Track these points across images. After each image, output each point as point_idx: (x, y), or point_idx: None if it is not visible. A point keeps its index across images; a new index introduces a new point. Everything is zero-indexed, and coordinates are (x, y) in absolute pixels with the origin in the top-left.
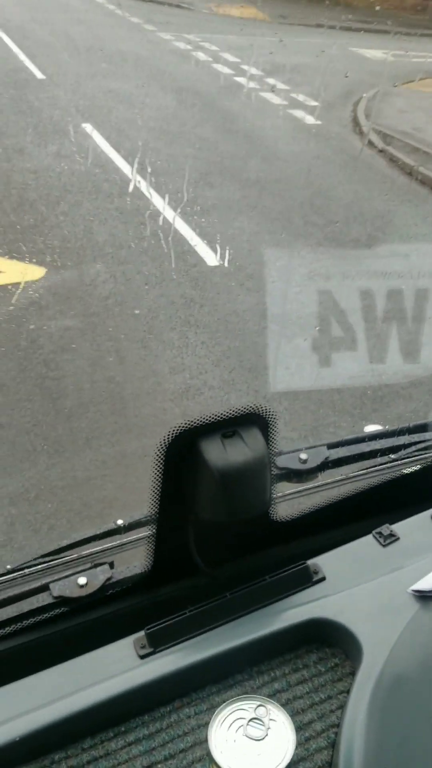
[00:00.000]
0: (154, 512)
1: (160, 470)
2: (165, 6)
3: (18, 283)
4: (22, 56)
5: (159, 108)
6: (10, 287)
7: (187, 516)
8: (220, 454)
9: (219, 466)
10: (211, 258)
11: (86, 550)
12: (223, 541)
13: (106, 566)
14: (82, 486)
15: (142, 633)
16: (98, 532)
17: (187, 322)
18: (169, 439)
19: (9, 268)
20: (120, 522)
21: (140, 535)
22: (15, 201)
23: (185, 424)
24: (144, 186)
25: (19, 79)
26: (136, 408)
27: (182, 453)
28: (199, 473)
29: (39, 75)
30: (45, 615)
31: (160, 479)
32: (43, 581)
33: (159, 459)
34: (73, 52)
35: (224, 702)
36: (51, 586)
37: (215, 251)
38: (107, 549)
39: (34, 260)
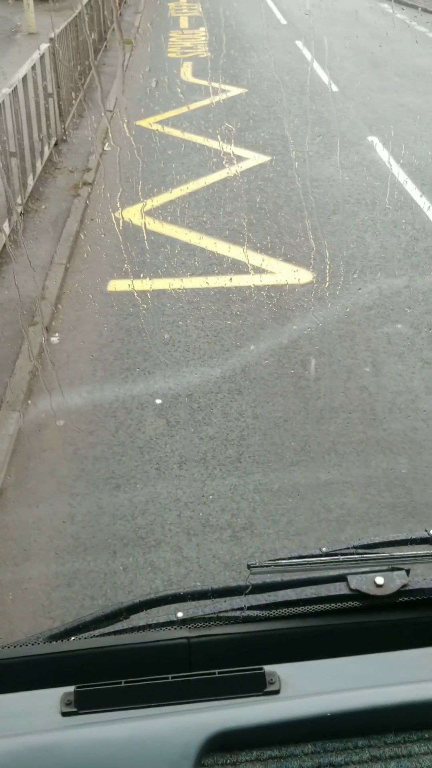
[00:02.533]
0: None
1: None
2: None
3: (284, 285)
4: (318, 69)
5: None
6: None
7: None
8: None
9: None
10: None
11: (395, 551)
12: None
13: (403, 572)
14: (324, 488)
15: None
16: (409, 537)
17: None
18: None
19: (282, 269)
20: None
21: None
22: (294, 207)
23: None
24: (423, 201)
25: (314, 91)
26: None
27: None
28: None
29: (333, 88)
30: (339, 604)
31: None
32: (342, 571)
33: None
34: (368, 67)
35: None
36: (349, 578)
37: None
38: (411, 556)
39: (298, 259)
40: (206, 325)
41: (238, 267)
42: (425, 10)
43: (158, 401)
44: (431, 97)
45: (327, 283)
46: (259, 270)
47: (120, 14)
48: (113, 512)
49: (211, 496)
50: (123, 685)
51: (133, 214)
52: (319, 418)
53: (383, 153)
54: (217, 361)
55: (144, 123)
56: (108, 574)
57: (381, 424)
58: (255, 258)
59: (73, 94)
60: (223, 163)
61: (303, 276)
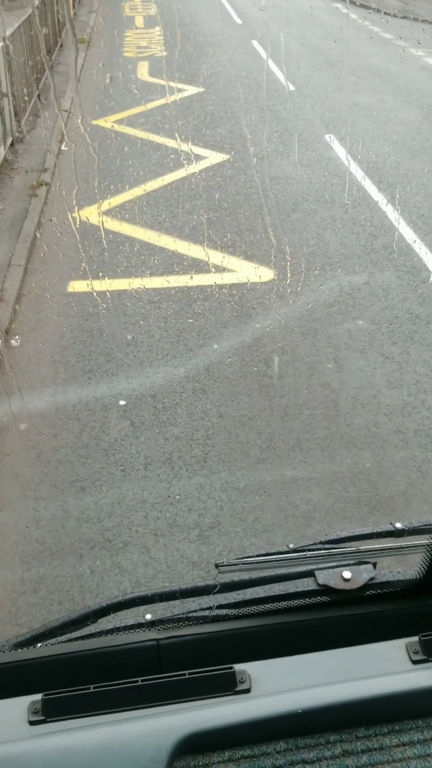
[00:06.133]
0: None
1: None
2: (419, 23)
3: (245, 283)
4: (274, 68)
5: (403, 122)
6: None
7: None
8: None
9: None
10: None
11: (361, 545)
12: None
13: (370, 566)
14: (290, 484)
15: (415, 639)
16: (375, 531)
17: None
18: None
19: (243, 268)
20: (399, 525)
21: (417, 542)
22: (253, 205)
23: None
24: (380, 198)
25: (271, 90)
26: None
27: None
28: None
29: (290, 87)
30: (308, 600)
31: None
32: (310, 567)
33: None
34: (324, 66)
35: None
36: (316, 573)
37: None
38: (377, 550)
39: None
40: (168, 324)
41: (198, 265)
42: (378, 11)
43: (122, 402)
44: (386, 97)
45: (288, 281)
46: (220, 268)
47: (74, 13)
48: (79, 515)
49: (177, 496)
50: (92, 690)
51: (91, 213)
52: (284, 415)
53: (340, 151)
54: (180, 360)
55: (100, 122)
56: (75, 578)
57: (344, 419)
58: (216, 256)
59: (27, 93)
60: (182, 161)
61: (264, 274)
